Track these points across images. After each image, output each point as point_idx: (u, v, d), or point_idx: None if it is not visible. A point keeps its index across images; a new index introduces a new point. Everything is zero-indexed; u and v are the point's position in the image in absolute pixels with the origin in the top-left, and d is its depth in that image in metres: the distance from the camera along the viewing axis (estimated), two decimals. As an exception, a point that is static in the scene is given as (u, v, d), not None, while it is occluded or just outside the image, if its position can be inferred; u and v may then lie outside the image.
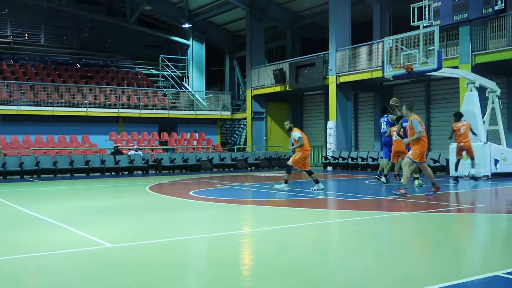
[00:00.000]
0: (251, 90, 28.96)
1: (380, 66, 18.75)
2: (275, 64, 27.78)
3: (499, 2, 17.35)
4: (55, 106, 25.53)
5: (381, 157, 15.96)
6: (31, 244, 6.41)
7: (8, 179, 19.10)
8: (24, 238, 6.84)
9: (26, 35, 33.78)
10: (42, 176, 19.98)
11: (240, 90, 35.28)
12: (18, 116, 24.57)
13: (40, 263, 5.46)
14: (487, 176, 15.71)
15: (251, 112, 28.96)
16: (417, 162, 11.07)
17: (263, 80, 28.26)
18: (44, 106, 25.48)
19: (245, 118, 30.22)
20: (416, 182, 13.25)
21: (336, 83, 23.34)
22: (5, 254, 5.88)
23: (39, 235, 7.10)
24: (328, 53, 23.83)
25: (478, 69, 18.05)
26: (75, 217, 8.80)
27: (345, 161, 22.54)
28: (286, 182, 12.54)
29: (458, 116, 14.72)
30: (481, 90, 17.08)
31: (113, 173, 21.34)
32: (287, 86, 26.13)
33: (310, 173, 12.64)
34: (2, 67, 28.59)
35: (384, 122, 14.32)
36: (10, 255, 5.81)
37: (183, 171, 22.77)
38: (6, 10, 32.59)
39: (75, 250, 6.05)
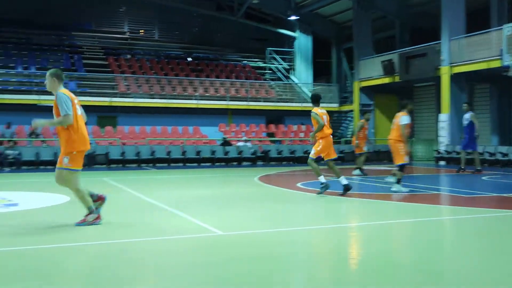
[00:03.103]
0: (359, 82, 28.47)
1: (498, 56, 17.66)
2: (384, 55, 27.05)
3: None
4: (168, 99, 26.73)
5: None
6: (148, 229, 6.77)
7: (127, 167, 20.32)
8: (141, 223, 7.24)
9: (142, 31, 35.65)
10: (157, 165, 21.05)
11: (347, 82, 34.81)
12: (135, 108, 26.01)
13: (157, 247, 5.75)
14: None
15: (359, 104, 28.48)
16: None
17: (371, 71, 27.65)
18: (158, 98, 26.78)
19: (352, 111, 29.78)
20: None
21: (449, 74, 22.30)
22: (124, 237, 6.27)
23: (154, 220, 7.47)
24: (440, 42, 22.80)
25: None
26: (188, 204, 9.16)
27: (459, 155, 21.46)
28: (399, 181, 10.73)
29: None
30: None
31: (222, 163, 21.99)
32: (397, 77, 25.37)
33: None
34: (120, 62, 30.37)
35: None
36: (129, 238, 6.18)
37: (290, 162, 22.93)
38: (123, 8, 34.58)
39: (189, 236, 6.30)
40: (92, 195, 6.99)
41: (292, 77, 33.77)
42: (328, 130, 10.33)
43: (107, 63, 29.99)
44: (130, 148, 21.56)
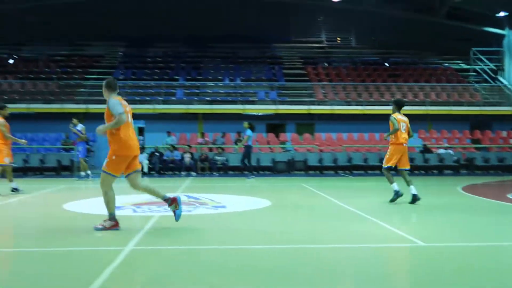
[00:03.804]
0: None
1: None
2: None
3: None
4: (365, 105, 26.53)
5: None
6: (347, 235, 6.76)
7: (324, 174, 20.64)
8: (340, 230, 7.26)
9: (339, 38, 36.01)
10: (353, 171, 21.01)
11: None
12: (331, 115, 26.30)
13: (351, 254, 5.70)
14: None
15: None
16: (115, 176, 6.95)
17: None
18: (354, 105, 26.74)
19: None
20: None
21: None
22: (320, 242, 6.34)
23: (350, 226, 7.43)
24: None
25: None
26: (386, 212, 8.95)
27: None
28: None
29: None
30: None
31: (422, 171, 21.11)
32: None
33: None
34: (318, 70, 31.04)
35: None
36: (324, 244, 6.23)
37: (499, 171, 21.13)
38: (321, 18, 35.30)
39: (385, 245, 6.15)
40: (165, 198, 7.01)
41: (500, 78, 31.11)
42: (401, 138, 10.18)
43: (305, 72, 30.88)
44: (328, 155, 21.88)
